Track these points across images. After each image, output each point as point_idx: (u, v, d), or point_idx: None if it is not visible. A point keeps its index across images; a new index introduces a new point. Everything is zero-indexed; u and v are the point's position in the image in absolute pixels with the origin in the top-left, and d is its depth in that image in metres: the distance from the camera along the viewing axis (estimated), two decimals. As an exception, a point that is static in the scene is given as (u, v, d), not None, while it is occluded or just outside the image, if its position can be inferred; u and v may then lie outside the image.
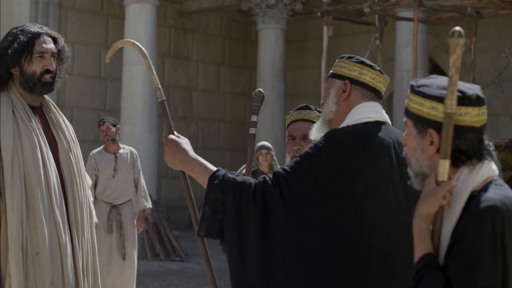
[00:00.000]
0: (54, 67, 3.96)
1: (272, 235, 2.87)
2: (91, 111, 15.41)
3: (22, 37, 3.90)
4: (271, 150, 9.28)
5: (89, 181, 4.23)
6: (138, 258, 10.64)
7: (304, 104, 4.17)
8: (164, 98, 3.27)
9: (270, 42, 15.53)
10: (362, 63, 3.18)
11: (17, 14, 14.89)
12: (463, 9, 11.90)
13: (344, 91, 3.13)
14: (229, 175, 2.95)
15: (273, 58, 15.45)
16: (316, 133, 3.26)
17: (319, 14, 12.36)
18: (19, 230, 3.67)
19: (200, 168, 3.03)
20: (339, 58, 3.27)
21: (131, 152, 9.13)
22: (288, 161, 4.12)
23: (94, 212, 4.13)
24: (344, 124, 3.06)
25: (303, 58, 17.92)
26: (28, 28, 3.97)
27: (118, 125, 8.98)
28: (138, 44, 3.41)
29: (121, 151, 8.97)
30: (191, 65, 17.20)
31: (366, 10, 11.88)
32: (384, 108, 10.58)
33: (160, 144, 15.62)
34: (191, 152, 3.08)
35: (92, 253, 3.96)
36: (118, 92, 14.93)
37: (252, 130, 4.08)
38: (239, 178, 2.95)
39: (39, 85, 3.91)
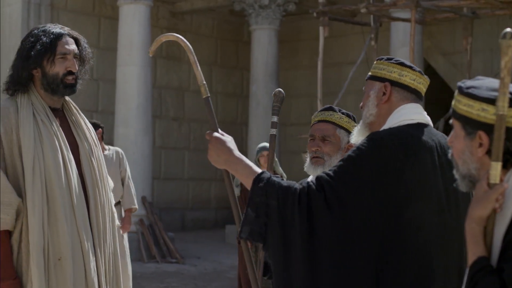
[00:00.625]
0: (77, 68, 3.90)
1: (317, 240, 2.84)
2: (83, 112, 15.22)
3: (45, 38, 3.84)
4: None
5: (111, 183, 4.18)
6: (134, 260, 10.56)
7: (328, 106, 4.13)
8: (209, 95, 3.21)
9: (263, 42, 15.50)
10: (402, 64, 3.15)
11: (8, 15, 14.80)
12: (459, 10, 11.90)
13: (384, 93, 3.12)
14: (274, 178, 2.91)
15: (266, 59, 15.42)
16: (356, 136, 3.24)
17: (315, 14, 12.34)
18: (40, 235, 3.61)
19: (245, 169, 2.98)
20: (377, 60, 3.23)
21: (117, 152, 8.96)
22: (307, 160, 4.09)
23: (116, 215, 4.07)
24: (385, 127, 3.04)
25: (294, 59, 17.91)
26: (50, 28, 3.91)
27: (100, 128, 8.67)
28: (182, 38, 3.30)
29: (106, 152, 8.79)
30: (183, 66, 17.15)
31: (363, 10, 11.88)
32: None
33: (154, 146, 15.57)
34: (236, 152, 3.03)
35: (114, 257, 3.91)
36: (111, 94, 14.85)
37: (272, 131, 4.02)
38: (284, 183, 2.91)
39: (61, 87, 3.85)
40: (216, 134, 3.06)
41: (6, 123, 3.75)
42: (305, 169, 4.02)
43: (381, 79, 3.14)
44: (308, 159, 4.04)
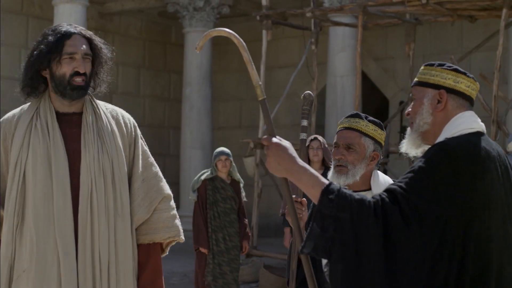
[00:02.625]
0: (86, 69, 3.63)
1: (395, 256, 2.71)
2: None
3: (51, 37, 3.59)
4: (230, 157, 9.10)
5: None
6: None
7: (355, 112, 4.02)
8: (265, 97, 2.94)
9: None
10: (457, 70, 3.04)
11: None
12: (402, 16, 12.02)
13: (439, 101, 3.01)
14: (344, 190, 2.74)
15: (200, 62, 15.26)
16: (409, 146, 3.12)
17: (258, 18, 12.23)
18: (8, 246, 3.48)
19: (310, 179, 2.77)
20: (426, 65, 3.12)
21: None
22: (333, 168, 3.97)
23: (135, 219, 3.78)
24: (444, 135, 2.95)
25: (223, 62, 17.77)
26: (59, 27, 3.65)
27: None
28: (235, 34, 3.09)
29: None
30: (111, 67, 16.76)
31: (308, 14, 11.85)
32: (317, 113, 10.47)
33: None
34: (299, 159, 2.82)
35: (115, 266, 3.64)
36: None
37: (302, 136, 3.89)
38: (355, 195, 2.75)
39: (69, 89, 3.60)
40: (275, 139, 2.83)
41: (7, 129, 3.59)
42: (328, 177, 3.88)
43: (435, 86, 3.02)
44: (331, 168, 3.94)
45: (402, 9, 11.28)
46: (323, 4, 13.28)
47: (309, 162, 9.16)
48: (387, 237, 2.69)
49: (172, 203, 3.89)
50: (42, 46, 3.57)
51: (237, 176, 9.26)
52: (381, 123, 4.02)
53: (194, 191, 9.15)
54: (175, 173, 16.89)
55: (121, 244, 3.67)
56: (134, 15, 17.10)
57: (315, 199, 2.75)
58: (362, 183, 3.91)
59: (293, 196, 3.85)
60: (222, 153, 9.11)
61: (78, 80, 3.61)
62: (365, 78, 15.76)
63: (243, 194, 9.34)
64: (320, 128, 14.60)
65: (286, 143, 2.84)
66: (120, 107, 14.15)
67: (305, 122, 3.91)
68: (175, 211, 3.88)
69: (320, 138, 9.17)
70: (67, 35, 3.62)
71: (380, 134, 3.99)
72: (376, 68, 15.78)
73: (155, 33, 17.89)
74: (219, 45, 16.58)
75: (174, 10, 15.49)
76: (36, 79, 3.63)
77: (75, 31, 3.67)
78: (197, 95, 15.20)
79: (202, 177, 9.17)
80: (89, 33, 3.74)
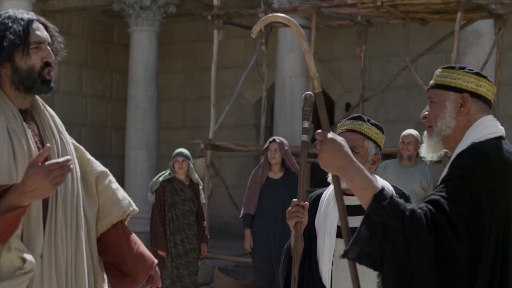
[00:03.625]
0: (54, 59, 3.25)
1: (446, 267, 2.65)
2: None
3: (15, 25, 3.17)
4: (188, 158, 8.97)
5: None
6: None
7: (357, 115, 3.97)
8: (321, 89, 2.85)
9: (143, 44, 15.09)
10: (478, 74, 3.01)
11: None
12: (354, 17, 12.04)
13: (462, 105, 2.97)
14: (396, 197, 2.66)
15: (146, 61, 15.03)
16: (429, 150, 3.07)
17: (209, 17, 12.10)
18: None
19: (363, 181, 2.69)
20: (445, 68, 3.07)
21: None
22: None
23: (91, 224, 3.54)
24: (471, 140, 2.90)
25: (167, 62, 17.55)
26: (17, 14, 3.25)
27: None
28: (294, 21, 2.94)
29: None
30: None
31: (261, 15, 11.76)
32: (266, 114, 10.37)
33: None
34: (354, 158, 2.74)
35: (74, 267, 3.35)
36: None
37: (303, 137, 3.82)
38: (407, 204, 2.67)
39: (39, 83, 3.19)
40: (330, 135, 2.73)
41: None
42: (329, 179, 3.81)
43: (458, 90, 2.98)
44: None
45: (355, 11, 11.30)
46: (272, 5, 13.22)
47: (269, 164, 9.09)
48: (438, 248, 2.62)
49: (111, 177, 3.67)
50: (10, 35, 3.15)
51: (196, 177, 9.13)
52: (382, 127, 3.97)
53: (153, 192, 8.98)
54: (119, 174, 16.62)
55: (79, 241, 3.40)
56: (77, 13, 16.76)
57: (365, 203, 2.66)
58: None
59: (294, 199, 3.78)
60: (179, 154, 8.98)
61: (48, 72, 3.22)
62: (308, 80, 15.77)
63: (202, 196, 9.22)
64: (268, 129, 14.56)
65: (341, 140, 2.75)
66: (62, 106, 13.88)
67: (306, 124, 3.83)
68: (116, 184, 3.69)
69: (278, 140, 9.11)
70: (30, 21, 3.22)
71: (381, 138, 3.95)
72: (321, 69, 15.76)
73: (98, 32, 17.59)
74: (163, 45, 16.38)
75: (119, 9, 15.22)
76: None
77: (34, 17, 3.29)
78: (143, 95, 14.98)
79: (160, 178, 9.01)
80: (43, 20, 3.35)
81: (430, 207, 2.65)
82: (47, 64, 3.22)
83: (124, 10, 15.19)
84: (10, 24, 3.18)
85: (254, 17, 13.58)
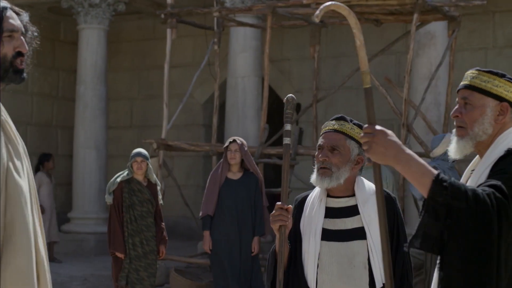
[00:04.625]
0: (27, 49, 3.08)
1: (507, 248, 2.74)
2: None
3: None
4: (147, 159, 8.84)
5: None
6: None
7: (340, 115, 3.97)
8: (370, 85, 2.87)
9: (92, 42, 14.88)
10: None
11: None
12: (308, 18, 12.04)
13: (500, 113, 3.05)
14: (455, 180, 2.71)
15: (95, 60, 14.83)
16: (459, 151, 3.15)
17: (162, 16, 11.97)
18: None
19: (420, 167, 2.72)
20: (487, 73, 3.09)
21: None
22: (313, 172, 3.90)
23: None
24: (508, 146, 2.98)
25: (113, 60, 17.32)
26: None
27: None
28: (353, 13, 2.93)
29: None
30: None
31: (215, 14, 11.69)
32: (218, 114, 10.33)
33: None
34: (405, 147, 2.77)
35: None
36: None
37: (286, 140, 3.82)
38: (467, 185, 2.73)
39: (11, 73, 3.04)
40: (379, 127, 2.78)
41: None
42: (311, 180, 3.87)
43: (498, 97, 3.05)
44: (315, 170, 3.88)
45: (310, 11, 11.29)
46: (225, 4, 13.15)
47: (228, 164, 9.02)
48: (500, 228, 2.69)
49: None
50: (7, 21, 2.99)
51: (154, 178, 9.01)
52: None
53: (110, 193, 8.81)
54: (66, 174, 16.38)
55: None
56: (23, 10, 16.40)
57: (424, 188, 2.69)
58: (345, 188, 3.87)
59: (278, 203, 3.75)
60: (138, 154, 8.84)
61: (20, 62, 3.05)
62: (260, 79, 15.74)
63: (160, 197, 9.09)
64: (218, 129, 14.46)
65: (390, 131, 2.78)
66: (7, 104, 13.49)
67: (288, 126, 3.82)
68: None
69: (239, 140, 9.04)
70: (5, 8, 3.04)
71: None
72: (271, 69, 15.73)
73: (44, 29, 17.12)
74: (111, 44, 16.17)
75: (68, 6, 14.98)
76: None
77: (8, 5, 3.09)
78: (91, 94, 14.78)
79: (118, 179, 8.85)
80: (16, 9, 3.17)
81: (493, 190, 2.70)
82: (19, 54, 3.05)
83: (73, 8, 14.95)
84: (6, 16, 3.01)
85: (206, 16, 13.52)
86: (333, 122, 3.93)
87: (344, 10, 2.94)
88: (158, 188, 9.04)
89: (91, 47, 14.84)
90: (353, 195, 3.86)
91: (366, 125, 2.80)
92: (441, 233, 2.67)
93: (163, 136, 12.17)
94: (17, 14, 3.12)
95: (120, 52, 17.63)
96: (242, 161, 9.04)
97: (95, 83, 14.81)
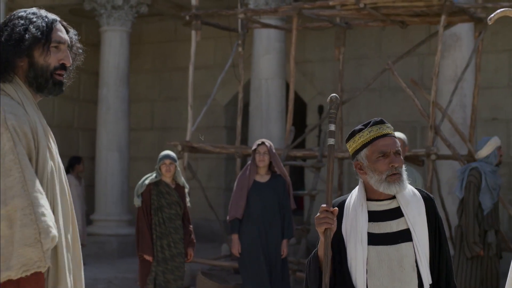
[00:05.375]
0: (71, 62, 3.22)
1: None
2: None
3: (39, 21, 3.15)
4: (175, 161, 8.81)
5: None
6: None
7: (379, 118, 3.89)
8: None
9: (114, 44, 14.87)
10: None
11: None
12: (332, 19, 11.98)
13: None
14: None
15: (117, 62, 14.82)
16: None
17: (187, 18, 11.95)
18: None
19: None
20: None
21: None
22: (382, 179, 3.79)
23: None
24: None
25: (135, 62, 17.32)
26: (41, 12, 3.24)
27: None
28: None
29: None
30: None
31: (241, 16, 11.66)
32: (241, 116, 10.26)
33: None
34: None
35: None
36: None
37: (330, 141, 3.76)
38: None
39: (51, 83, 3.13)
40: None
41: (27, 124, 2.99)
42: (381, 189, 3.74)
43: None
44: (383, 178, 3.75)
45: (336, 12, 11.23)
46: (249, 6, 13.12)
47: (256, 167, 8.98)
48: None
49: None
50: (33, 29, 3.09)
51: (182, 180, 8.97)
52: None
53: (139, 196, 8.78)
54: (86, 176, 16.38)
55: None
56: (45, 11, 16.44)
57: None
58: None
59: (323, 205, 3.70)
60: (167, 156, 8.81)
61: (61, 74, 3.18)
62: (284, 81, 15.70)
63: (188, 199, 9.05)
64: (243, 131, 14.43)
65: None
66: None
67: (332, 127, 3.77)
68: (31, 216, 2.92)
69: (267, 143, 8.99)
70: (55, 20, 3.22)
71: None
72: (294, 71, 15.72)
73: (66, 31, 17.28)
74: (132, 46, 16.17)
75: (91, 8, 14.98)
76: (11, 66, 3.09)
77: (58, 18, 3.27)
78: (114, 96, 14.76)
79: (147, 182, 8.82)
80: (65, 23, 3.35)
81: None
82: (62, 66, 3.18)
83: (95, 10, 14.95)
84: (34, 19, 3.15)
85: (231, 18, 13.48)
86: (380, 126, 3.82)
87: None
88: (186, 190, 9.01)
89: (113, 49, 14.82)
90: (393, 197, 3.80)
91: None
92: None
93: (187, 138, 12.14)
94: (66, 29, 3.26)
95: (141, 54, 17.63)
96: (269, 164, 9.00)
97: (117, 85, 14.79)
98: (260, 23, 12.33)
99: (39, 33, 3.10)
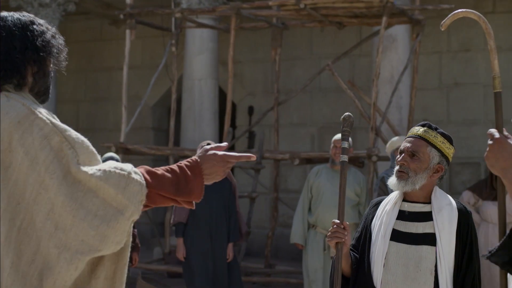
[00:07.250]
0: None
1: None
2: None
3: (60, 39, 3.07)
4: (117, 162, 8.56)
5: None
6: None
7: (426, 122, 4.09)
8: (501, 90, 2.82)
9: (41, 43, 14.42)
10: None
11: None
12: (269, 20, 11.89)
13: None
14: None
15: (44, 61, 14.36)
16: None
17: (122, 16, 11.67)
18: None
19: None
20: None
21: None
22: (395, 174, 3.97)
23: None
24: None
25: (59, 62, 16.87)
26: (46, 24, 3.08)
27: None
28: (484, 18, 2.88)
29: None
30: None
31: (177, 15, 11.46)
32: (174, 116, 10.08)
33: None
34: None
35: None
36: None
37: (343, 157, 3.90)
38: None
39: (48, 92, 3.05)
40: (498, 135, 2.70)
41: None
42: (388, 182, 3.95)
43: None
44: (395, 174, 3.95)
45: (275, 13, 11.15)
46: (181, 5, 12.92)
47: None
48: None
49: None
50: (49, 35, 2.98)
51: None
52: (451, 138, 3.96)
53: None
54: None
55: None
56: (-33, 8, 15.92)
57: None
58: (421, 195, 3.94)
59: (335, 220, 3.74)
60: (112, 158, 8.60)
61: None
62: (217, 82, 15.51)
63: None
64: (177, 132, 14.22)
65: (510, 142, 2.67)
66: None
67: (345, 144, 3.86)
68: None
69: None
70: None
71: (448, 148, 3.97)
72: (223, 72, 15.56)
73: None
74: (58, 44, 15.74)
75: (17, 5, 14.52)
76: (24, 71, 2.91)
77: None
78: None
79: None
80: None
81: None
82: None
83: (21, 7, 14.49)
84: (57, 36, 3.06)
85: (164, 17, 13.24)
86: (418, 128, 3.98)
87: (475, 15, 2.96)
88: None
89: (40, 48, 14.37)
90: (429, 202, 3.93)
91: (490, 130, 2.72)
92: None
93: (121, 139, 11.89)
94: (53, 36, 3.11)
95: (67, 53, 17.17)
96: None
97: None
98: (196, 22, 12.14)
99: (56, 43, 3.03)
